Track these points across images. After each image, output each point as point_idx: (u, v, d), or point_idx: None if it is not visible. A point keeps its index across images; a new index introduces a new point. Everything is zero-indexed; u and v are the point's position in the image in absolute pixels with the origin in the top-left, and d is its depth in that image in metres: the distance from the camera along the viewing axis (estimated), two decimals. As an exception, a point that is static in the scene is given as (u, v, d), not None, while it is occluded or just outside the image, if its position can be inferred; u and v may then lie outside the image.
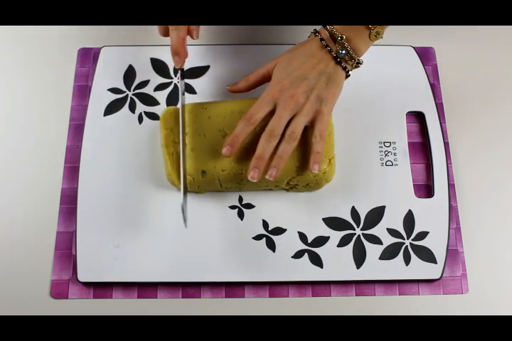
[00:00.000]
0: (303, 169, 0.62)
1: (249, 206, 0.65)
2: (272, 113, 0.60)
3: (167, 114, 0.66)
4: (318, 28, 0.61)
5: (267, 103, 0.59)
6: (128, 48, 0.73)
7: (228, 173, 0.61)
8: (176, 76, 0.71)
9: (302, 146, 0.62)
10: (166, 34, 0.64)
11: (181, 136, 0.62)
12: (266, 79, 0.63)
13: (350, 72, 0.61)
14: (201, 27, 0.75)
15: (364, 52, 0.61)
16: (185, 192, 0.61)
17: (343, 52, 0.59)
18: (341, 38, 0.59)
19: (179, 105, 0.65)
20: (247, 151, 0.61)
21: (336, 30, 0.59)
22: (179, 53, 0.62)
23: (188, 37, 0.64)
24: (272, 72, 0.62)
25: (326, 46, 0.60)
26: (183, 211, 0.60)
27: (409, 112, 0.70)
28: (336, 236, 0.64)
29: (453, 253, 0.64)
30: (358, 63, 0.61)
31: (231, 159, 0.61)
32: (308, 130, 0.61)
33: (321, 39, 0.60)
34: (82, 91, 0.71)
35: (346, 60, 0.60)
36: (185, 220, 0.60)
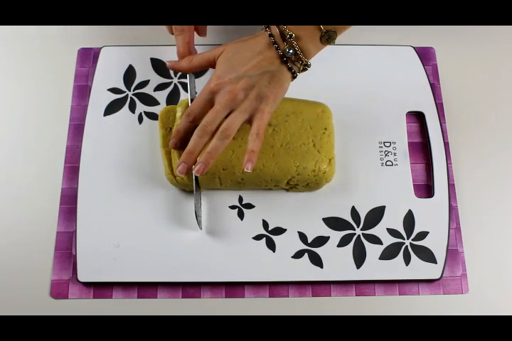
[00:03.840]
0: (309, 158, 0.62)
1: (249, 206, 0.65)
2: (211, 107, 0.58)
3: (165, 113, 0.66)
4: None
5: (205, 99, 0.58)
6: (128, 48, 0.73)
7: (229, 172, 0.61)
8: (175, 76, 0.71)
9: (301, 145, 0.62)
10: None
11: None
12: (210, 64, 0.61)
13: (296, 74, 0.59)
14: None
15: (313, 55, 0.58)
16: (199, 197, 0.62)
17: (291, 51, 0.56)
18: (290, 36, 0.56)
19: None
20: (243, 149, 0.61)
21: (287, 28, 0.56)
22: (186, 55, 0.62)
23: (196, 35, 0.63)
24: (217, 59, 0.59)
25: (274, 43, 0.57)
26: (197, 215, 0.61)
27: (409, 112, 0.70)
28: (336, 236, 0.64)
29: (453, 253, 0.64)
30: (306, 65, 0.58)
31: (231, 158, 0.61)
32: (316, 120, 0.61)
33: (270, 35, 0.57)
34: (82, 91, 0.71)
35: (293, 61, 0.57)
36: (198, 224, 0.61)
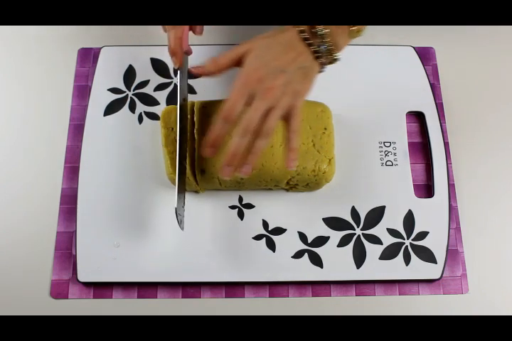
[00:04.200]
0: (309, 158, 0.61)
1: (249, 206, 0.65)
2: (246, 104, 0.56)
3: (167, 112, 0.66)
4: None
5: (243, 94, 0.55)
6: (128, 48, 0.73)
7: None
8: (175, 76, 0.71)
9: (300, 145, 0.62)
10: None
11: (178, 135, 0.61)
12: (237, 63, 0.58)
13: (324, 68, 0.58)
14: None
15: (342, 49, 0.59)
16: (182, 194, 0.60)
17: (324, 46, 0.56)
18: (322, 32, 0.56)
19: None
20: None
21: (307, 30, 0.56)
22: (176, 53, 0.60)
23: (192, 34, 0.63)
24: (244, 58, 0.57)
25: (306, 39, 0.56)
26: (177, 214, 0.58)
27: (409, 112, 0.70)
28: (336, 236, 0.64)
29: (453, 253, 0.64)
30: (335, 59, 0.58)
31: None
32: (316, 119, 0.61)
33: (301, 31, 0.56)
34: (82, 91, 0.71)
35: (325, 56, 0.57)
36: (179, 223, 0.58)
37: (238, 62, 0.58)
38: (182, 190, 0.60)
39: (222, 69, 0.59)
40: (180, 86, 0.61)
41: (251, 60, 0.56)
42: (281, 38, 0.57)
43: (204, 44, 0.72)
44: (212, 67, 0.58)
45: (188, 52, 0.63)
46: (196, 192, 0.65)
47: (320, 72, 0.59)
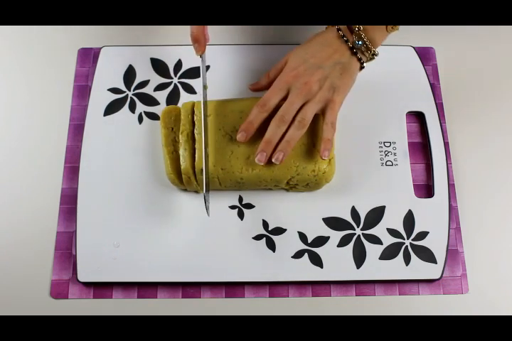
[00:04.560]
0: (309, 158, 0.62)
1: (249, 206, 0.65)
2: (284, 99, 0.60)
3: (167, 112, 0.66)
4: None
5: (281, 89, 0.60)
6: (128, 48, 0.73)
7: (227, 172, 0.61)
8: (175, 76, 0.71)
9: (301, 145, 0.62)
10: None
11: (203, 129, 0.62)
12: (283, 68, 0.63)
13: (364, 64, 0.62)
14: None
15: (380, 44, 0.62)
16: (208, 183, 0.62)
17: (360, 42, 0.60)
18: (358, 28, 0.59)
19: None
20: (242, 150, 0.61)
21: (343, 28, 0.60)
22: (199, 40, 0.62)
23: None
24: (287, 61, 0.62)
25: (343, 36, 0.60)
26: (205, 200, 0.61)
27: (409, 112, 0.70)
28: (336, 236, 0.64)
29: (453, 253, 0.64)
30: (374, 55, 0.61)
31: (230, 158, 0.61)
32: (317, 119, 0.62)
33: (338, 29, 0.60)
34: (82, 91, 0.71)
35: (362, 51, 0.61)
36: (207, 209, 0.61)
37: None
38: (207, 179, 0.62)
39: (273, 80, 0.63)
40: (202, 73, 0.64)
41: (291, 59, 0.61)
42: (320, 37, 0.62)
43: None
44: (265, 81, 0.64)
45: (207, 40, 0.64)
46: (196, 192, 0.65)
47: (361, 68, 0.62)
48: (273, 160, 0.60)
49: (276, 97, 0.60)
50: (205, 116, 0.63)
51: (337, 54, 0.60)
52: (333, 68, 0.60)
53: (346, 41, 0.60)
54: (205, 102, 0.63)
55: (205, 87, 0.64)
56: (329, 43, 0.61)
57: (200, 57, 0.64)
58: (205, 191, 0.61)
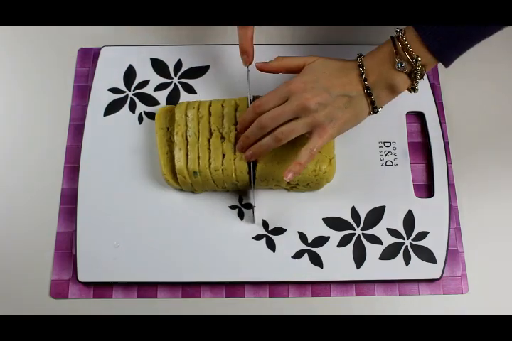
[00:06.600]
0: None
1: (250, 206, 0.65)
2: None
3: (162, 113, 0.66)
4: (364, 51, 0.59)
5: (281, 97, 0.57)
6: (128, 48, 0.73)
7: (219, 173, 0.61)
8: (175, 76, 0.71)
9: (301, 145, 0.62)
10: None
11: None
12: (297, 69, 0.60)
13: (377, 110, 0.58)
14: (200, 27, 0.75)
15: (384, 104, 0.59)
16: (252, 191, 0.63)
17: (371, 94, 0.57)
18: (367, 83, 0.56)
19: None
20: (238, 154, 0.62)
21: (367, 67, 0.56)
22: (248, 52, 0.62)
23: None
24: (306, 65, 0.59)
25: (363, 74, 0.56)
26: (253, 209, 0.61)
27: (409, 112, 0.70)
28: (336, 236, 0.64)
29: (453, 253, 0.64)
30: (375, 109, 0.58)
31: (223, 160, 0.61)
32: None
33: (360, 65, 0.57)
34: (82, 91, 0.71)
35: (371, 101, 0.57)
36: (253, 218, 0.62)
37: (299, 69, 0.60)
38: (251, 186, 0.62)
39: (282, 68, 0.61)
40: (248, 84, 0.63)
41: (307, 70, 0.58)
42: (343, 63, 0.58)
43: (203, 44, 0.72)
44: (275, 64, 0.61)
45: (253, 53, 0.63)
46: (193, 192, 0.65)
47: (371, 111, 0.58)
48: (243, 157, 0.60)
49: (273, 103, 0.57)
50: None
51: (349, 86, 0.56)
52: (340, 98, 0.56)
53: (364, 80, 0.56)
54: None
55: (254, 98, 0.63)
56: (347, 73, 0.57)
57: (247, 68, 0.64)
58: (251, 201, 0.62)
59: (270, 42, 0.74)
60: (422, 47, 0.54)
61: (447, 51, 0.55)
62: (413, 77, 0.56)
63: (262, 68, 0.61)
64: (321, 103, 0.56)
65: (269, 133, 0.58)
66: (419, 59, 0.54)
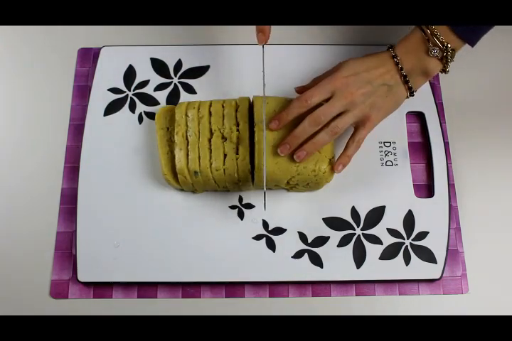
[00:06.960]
0: (310, 158, 0.61)
1: (249, 206, 0.65)
2: (326, 101, 0.60)
3: (162, 113, 0.66)
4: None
5: (327, 90, 0.59)
6: (128, 48, 0.73)
7: (220, 173, 0.61)
8: (175, 76, 0.71)
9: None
10: None
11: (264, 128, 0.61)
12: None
13: (413, 93, 0.62)
14: (201, 27, 0.75)
15: (418, 88, 0.62)
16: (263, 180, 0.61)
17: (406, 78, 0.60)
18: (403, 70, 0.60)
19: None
20: (241, 152, 0.62)
21: (401, 56, 0.60)
22: (264, 30, 0.61)
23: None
24: (337, 69, 0.62)
25: (398, 64, 0.60)
26: (264, 197, 0.60)
27: (409, 112, 0.70)
28: (336, 236, 0.64)
29: (453, 253, 0.64)
30: (412, 92, 0.62)
31: (225, 160, 0.61)
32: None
33: (394, 56, 0.60)
34: (82, 91, 0.71)
35: (407, 84, 0.61)
36: (264, 205, 0.60)
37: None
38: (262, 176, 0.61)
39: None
40: (262, 65, 0.63)
41: (344, 67, 0.61)
42: (375, 55, 0.62)
43: (203, 44, 0.72)
44: (312, 86, 0.62)
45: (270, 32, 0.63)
46: (193, 191, 0.65)
47: (409, 95, 0.62)
48: (294, 157, 0.60)
49: (319, 96, 0.59)
50: (264, 111, 0.62)
51: (388, 75, 0.60)
52: (380, 88, 0.60)
53: (401, 69, 0.60)
54: (264, 97, 0.62)
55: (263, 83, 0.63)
56: (384, 63, 0.60)
57: (263, 47, 0.63)
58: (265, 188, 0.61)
59: (280, 42, 0.74)
60: (449, 31, 0.58)
61: (471, 32, 0.59)
62: (445, 61, 0.59)
63: (301, 92, 0.63)
64: (364, 94, 0.59)
65: (318, 131, 0.60)
66: (449, 45, 0.58)
